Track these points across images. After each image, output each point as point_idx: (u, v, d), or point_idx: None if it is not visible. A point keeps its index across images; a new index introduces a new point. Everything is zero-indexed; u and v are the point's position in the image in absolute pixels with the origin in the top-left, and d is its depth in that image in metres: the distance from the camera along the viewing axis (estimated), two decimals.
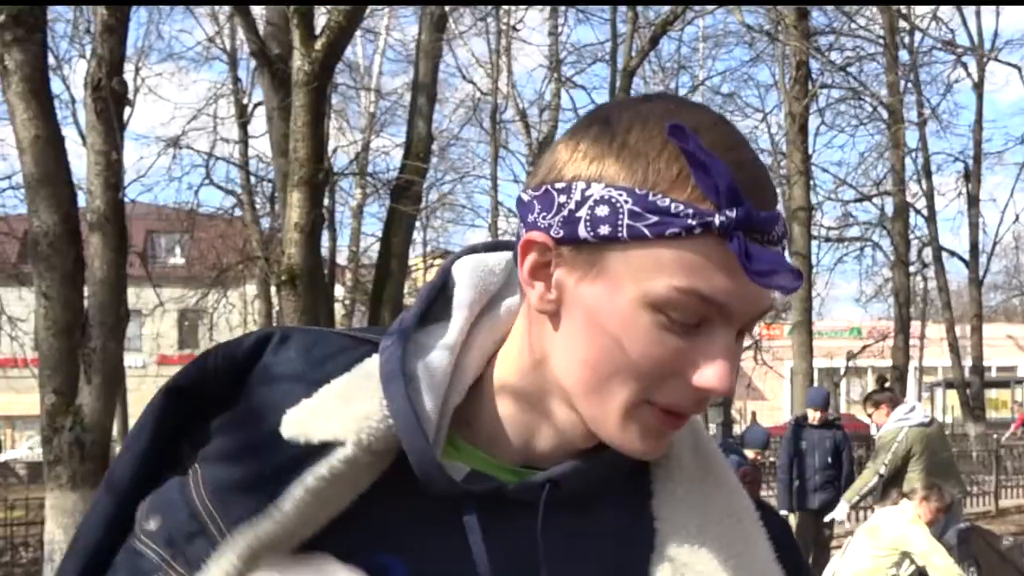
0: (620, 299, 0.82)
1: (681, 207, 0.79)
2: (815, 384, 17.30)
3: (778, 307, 26.70)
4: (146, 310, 23.14)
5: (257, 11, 14.06)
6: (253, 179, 20.89)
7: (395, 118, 24.68)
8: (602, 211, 0.81)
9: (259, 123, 20.02)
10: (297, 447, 0.85)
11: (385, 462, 0.86)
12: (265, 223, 20.63)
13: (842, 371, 29.58)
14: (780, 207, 0.83)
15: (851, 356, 25.63)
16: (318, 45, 8.60)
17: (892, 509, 6.60)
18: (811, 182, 18.66)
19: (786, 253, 0.85)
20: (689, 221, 0.79)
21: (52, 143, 7.92)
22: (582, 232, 0.81)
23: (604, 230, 0.80)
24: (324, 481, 0.84)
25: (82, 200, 8.33)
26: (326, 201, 21.94)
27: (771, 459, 13.26)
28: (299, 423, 0.86)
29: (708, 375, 0.82)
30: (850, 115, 21.86)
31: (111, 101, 8.12)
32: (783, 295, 0.85)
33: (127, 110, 9.98)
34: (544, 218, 0.83)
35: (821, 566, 9.17)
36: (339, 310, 25.24)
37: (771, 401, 37.32)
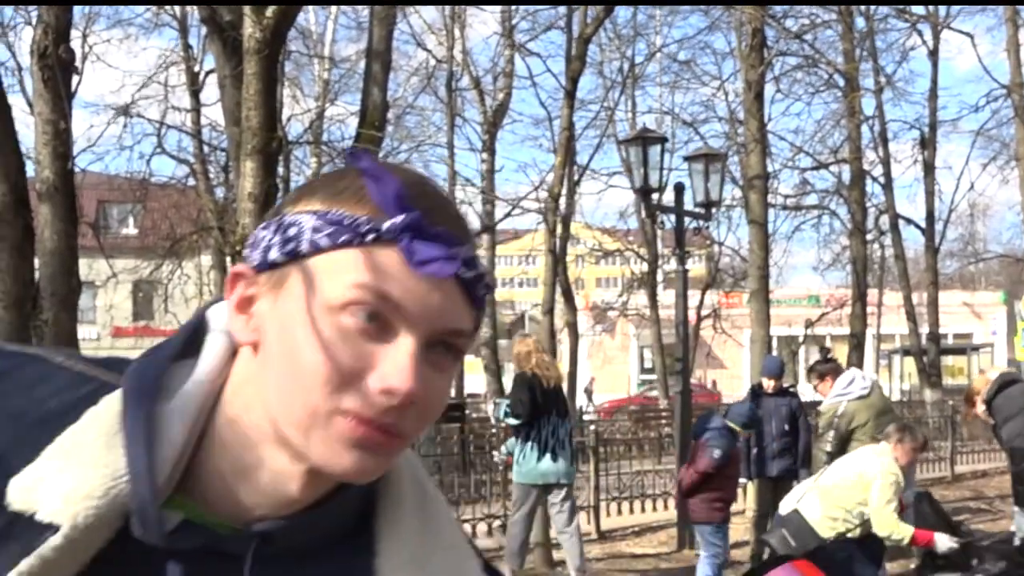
0: (302, 309, 0.86)
1: (356, 218, 0.85)
2: (773, 352, 17.39)
3: (737, 275, 26.86)
4: (99, 281, 22.86)
5: None
6: (206, 148, 20.61)
7: (349, 86, 24.45)
8: (291, 232, 0.87)
9: (211, 91, 19.76)
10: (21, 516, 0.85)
11: (116, 523, 0.86)
12: (219, 192, 20.38)
13: (800, 339, 29.81)
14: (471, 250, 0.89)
15: (809, 324, 25.84)
16: (269, 12, 8.41)
17: (872, 448, 6.61)
18: (768, 150, 18.68)
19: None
20: (361, 228, 0.85)
21: None
22: (273, 254, 0.88)
23: (289, 247, 0.87)
24: (36, 568, 0.83)
25: (31, 170, 8.16)
26: (280, 170, 21.79)
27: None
28: (24, 493, 0.85)
29: (386, 373, 0.84)
30: (806, 83, 21.90)
31: (58, 69, 7.95)
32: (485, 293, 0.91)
33: (75, 78, 9.77)
34: (250, 253, 0.90)
35: None
36: None
37: (731, 370, 37.60)
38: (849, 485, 6.35)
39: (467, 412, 16.26)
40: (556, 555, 9.28)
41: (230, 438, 0.90)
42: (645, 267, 24.40)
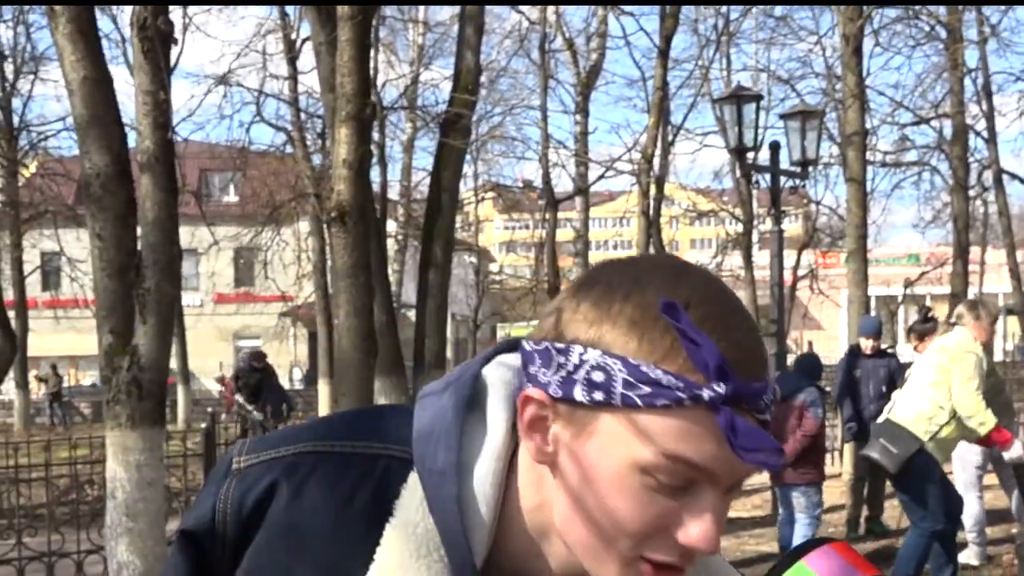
0: (611, 462, 0.86)
1: (672, 379, 0.84)
2: (871, 313, 17.10)
3: (834, 235, 26.38)
4: (201, 248, 23.35)
5: None
6: (303, 115, 20.85)
7: (443, 50, 24.50)
8: (598, 377, 0.85)
9: (308, 59, 19.98)
10: None
11: None
12: (316, 159, 20.64)
13: (900, 299, 29.18)
14: (769, 377, 0.88)
15: (909, 283, 25.28)
16: None
17: (947, 335, 6.47)
18: (866, 106, 18.20)
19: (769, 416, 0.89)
20: (679, 394, 0.84)
21: (100, 84, 7.94)
22: (578, 394, 0.87)
23: (599, 396, 0.85)
24: None
25: (133, 142, 8.37)
26: (376, 136, 21.98)
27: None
28: None
29: (694, 534, 0.86)
30: (907, 35, 21.24)
31: (157, 40, 8.11)
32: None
33: (174, 49, 9.97)
34: (544, 374, 0.89)
35: (878, 496, 9.13)
36: (391, 245, 25.34)
37: (827, 331, 37.04)
38: (932, 375, 6.22)
39: None
40: None
41: (520, 526, 0.94)
42: (740, 228, 24.11)
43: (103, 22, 20.86)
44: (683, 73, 22.74)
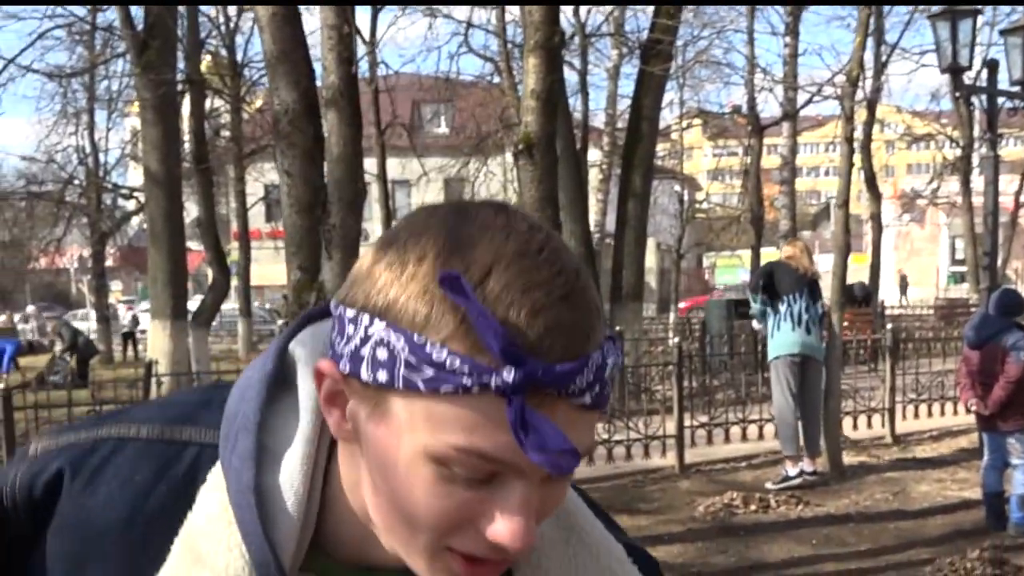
0: (401, 448, 0.75)
1: (458, 362, 0.72)
2: None
3: None
4: (412, 180, 23.78)
5: None
6: (510, 45, 20.84)
7: None
8: (382, 354, 0.74)
9: None
10: None
11: None
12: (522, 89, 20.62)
13: None
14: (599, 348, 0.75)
15: None
16: None
17: None
18: None
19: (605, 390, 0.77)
20: (465, 380, 0.72)
21: (289, 19, 8.09)
22: (364, 373, 0.76)
23: (382, 376, 0.74)
24: None
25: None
26: (577, 63, 21.79)
27: None
28: None
29: (500, 531, 0.75)
30: None
31: None
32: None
33: None
34: (338, 344, 0.78)
35: None
36: (595, 175, 25.18)
37: None
38: None
39: None
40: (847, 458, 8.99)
41: (347, 508, 0.85)
42: (958, 151, 22.84)
43: None
44: None
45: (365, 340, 0.75)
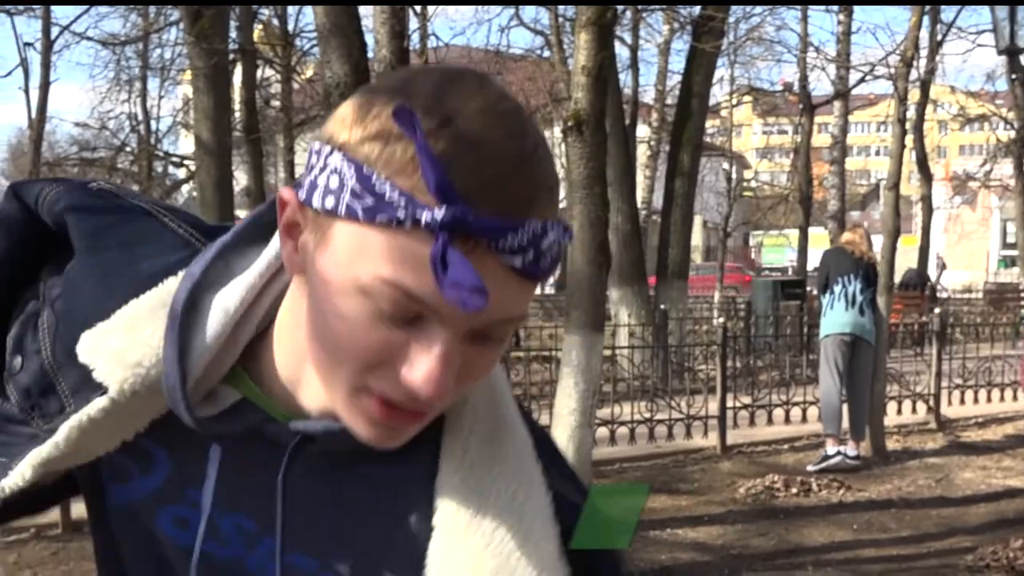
0: (338, 277, 0.79)
1: (396, 195, 0.75)
2: None
3: None
4: None
5: None
6: (561, 19, 20.76)
7: None
8: (333, 182, 0.78)
9: None
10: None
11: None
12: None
13: None
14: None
15: None
16: None
17: None
18: None
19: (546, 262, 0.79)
20: (399, 212, 0.75)
21: None
22: (315, 200, 0.79)
23: (329, 203, 0.78)
24: (89, 423, 0.87)
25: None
26: (629, 39, 21.66)
27: None
28: (91, 351, 0.88)
29: (415, 374, 0.79)
30: None
31: None
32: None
33: None
34: (304, 178, 0.82)
35: None
36: (644, 151, 25.06)
37: None
38: None
39: (808, 289, 15.78)
40: (890, 443, 8.94)
41: (287, 342, 0.89)
42: (1012, 134, 22.45)
43: None
44: None
45: (323, 169, 0.79)
